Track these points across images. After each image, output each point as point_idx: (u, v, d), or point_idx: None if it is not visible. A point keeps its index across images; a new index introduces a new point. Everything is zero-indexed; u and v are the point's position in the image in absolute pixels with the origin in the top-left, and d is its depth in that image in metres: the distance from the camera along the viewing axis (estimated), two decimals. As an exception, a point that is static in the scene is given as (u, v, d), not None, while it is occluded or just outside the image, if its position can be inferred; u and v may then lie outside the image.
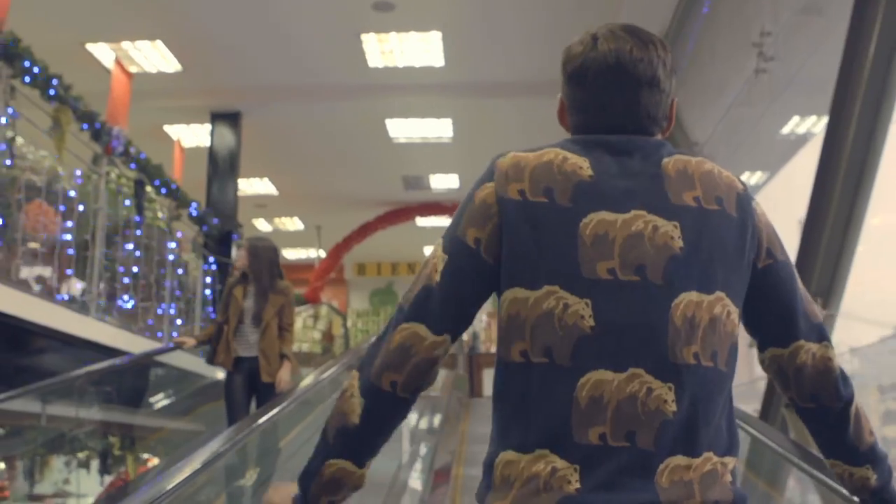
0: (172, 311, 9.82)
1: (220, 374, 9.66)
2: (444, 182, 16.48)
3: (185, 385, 9.40)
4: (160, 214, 10.44)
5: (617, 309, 1.40)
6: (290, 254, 21.90)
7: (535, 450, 1.38)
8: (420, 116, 13.33)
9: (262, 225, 19.26)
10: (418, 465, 7.53)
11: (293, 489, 1.53)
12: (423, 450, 8.16)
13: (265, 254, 6.11)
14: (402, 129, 13.73)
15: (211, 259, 11.48)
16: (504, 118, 12.96)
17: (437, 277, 1.48)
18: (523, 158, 1.49)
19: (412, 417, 9.23)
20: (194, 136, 13.59)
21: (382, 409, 1.48)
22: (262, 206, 17.67)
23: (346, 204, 17.48)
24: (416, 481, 6.71)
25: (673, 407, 1.38)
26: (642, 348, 1.39)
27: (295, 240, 20.54)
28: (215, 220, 11.61)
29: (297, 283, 18.57)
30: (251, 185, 16.43)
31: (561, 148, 1.50)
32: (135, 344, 8.21)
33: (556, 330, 1.40)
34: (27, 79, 6.91)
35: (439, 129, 13.77)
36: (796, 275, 1.57)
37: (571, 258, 1.41)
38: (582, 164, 1.47)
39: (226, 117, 12.56)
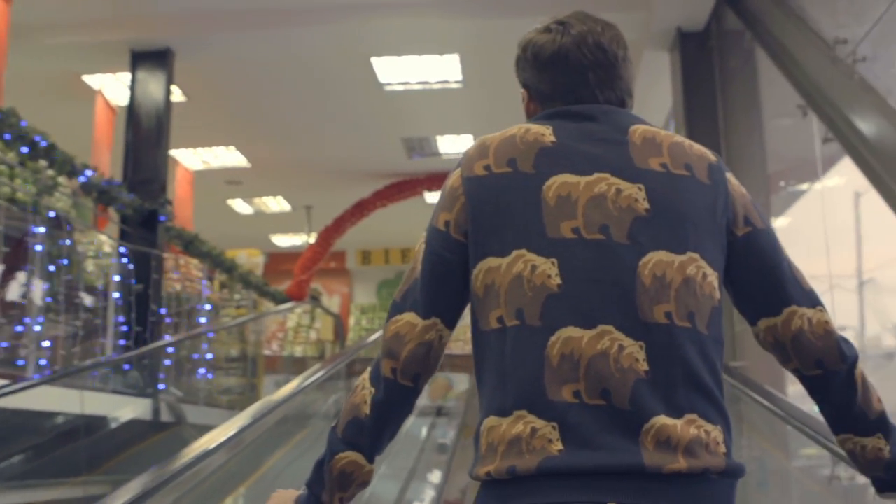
0: (37, 328, 6.51)
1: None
2: (455, 145, 12.80)
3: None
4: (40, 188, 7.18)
5: (583, 267, 1.41)
6: (280, 240, 18.63)
7: (514, 411, 1.39)
8: (416, 53, 9.88)
9: (240, 206, 15.91)
10: (425, 491, 6.69)
11: (294, 494, 1.58)
12: (433, 476, 7.22)
13: None
14: (394, 70, 10.25)
15: (122, 249, 8.19)
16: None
17: (419, 266, 1.53)
18: (489, 138, 1.55)
19: (422, 430, 8.59)
20: (125, 88, 10.26)
21: (388, 397, 1.51)
22: (236, 182, 14.32)
23: (338, 177, 14.08)
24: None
25: (644, 366, 1.37)
26: (610, 305, 1.39)
27: (283, 224, 17.10)
28: (130, 196, 8.32)
29: (288, 275, 15.40)
30: (216, 156, 13.13)
31: (526, 123, 1.56)
32: None
33: (525, 292, 1.41)
34: None
35: (444, 69, 10.27)
36: (780, 245, 1.56)
37: (536, 220, 1.43)
38: (545, 132, 1.51)
39: (150, 57, 9.20)
